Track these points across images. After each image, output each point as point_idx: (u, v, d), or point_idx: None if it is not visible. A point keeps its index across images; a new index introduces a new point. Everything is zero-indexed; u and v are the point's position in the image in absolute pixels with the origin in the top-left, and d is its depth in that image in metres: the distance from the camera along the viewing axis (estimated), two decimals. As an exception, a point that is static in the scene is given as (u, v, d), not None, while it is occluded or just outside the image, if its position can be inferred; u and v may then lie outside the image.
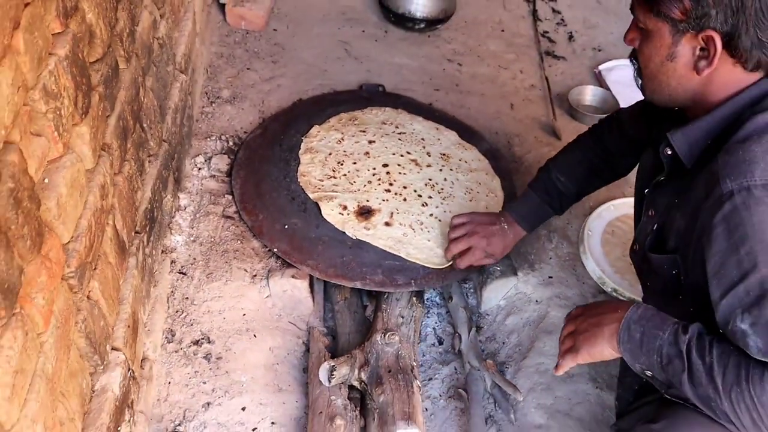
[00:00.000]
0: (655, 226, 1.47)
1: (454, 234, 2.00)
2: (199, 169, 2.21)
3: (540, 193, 1.95)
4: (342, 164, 2.18)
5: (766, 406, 1.16)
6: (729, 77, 1.31)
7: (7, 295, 1.00)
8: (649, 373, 1.34)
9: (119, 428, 1.46)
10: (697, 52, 1.30)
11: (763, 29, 1.24)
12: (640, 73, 1.44)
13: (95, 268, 1.39)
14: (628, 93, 2.68)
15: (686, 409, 1.31)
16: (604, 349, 1.38)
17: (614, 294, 2.02)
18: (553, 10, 3.19)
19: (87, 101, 1.35)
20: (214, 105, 2.46)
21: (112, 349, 1.48)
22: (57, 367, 1.18)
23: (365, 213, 2.05)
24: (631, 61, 1.47)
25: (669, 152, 1.40)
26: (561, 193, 1.93)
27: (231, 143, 2.31)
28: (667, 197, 1.44)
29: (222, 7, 2.82)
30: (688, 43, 1.30)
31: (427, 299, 2.15)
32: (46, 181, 1.20)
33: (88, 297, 1.36)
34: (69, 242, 1.27)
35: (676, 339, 1.27)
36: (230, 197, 2.14)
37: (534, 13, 3.15)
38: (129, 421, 1.53)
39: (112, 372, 1.44)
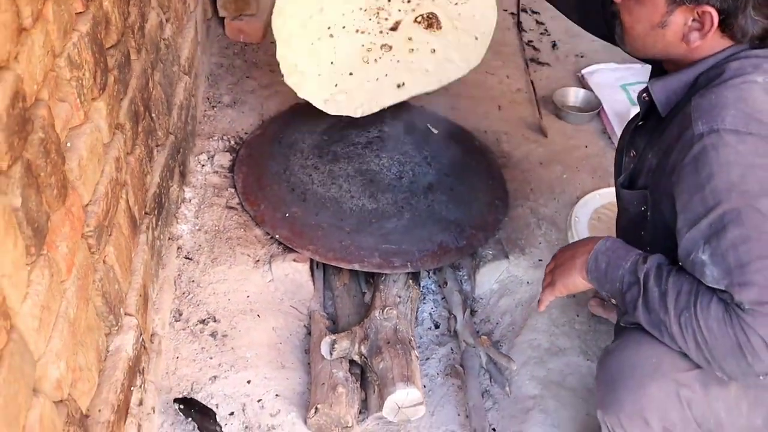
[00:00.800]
0: (632, 165, 1.56)
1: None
2: (203, 165, 2.31)
3: None
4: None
5: (711, 330, 1.23)
6: (714, 45, 1.36)
7: (37, 235, 1.10)
8: (613, 300, 1.45)
9: (132, 389, 1.54)
10: (690, 22, 1.33)
11: (758, 11, 1.30)
12: (622, 29, 1.47)
13: (110, 235, 1.48)
14: (609, 93, 2.81)
15: (637, 330, 1.41)
16: (576, 279, 1.48)
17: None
18: (537, 22, 3.34)
19: (104, 79, 1.46)
20: (215, 109, 2.57)
21: (125, 314, 1.56)
22: (77, 316, 1.27)
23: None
24: (611, 16, 1.49)
25: (647, 98, 1.49)
26: None
27: (232, 142, 2.42)
28: (644, 137, 1.53)
29: (221, 20, 2.95)
30: (682, 15, 1.33)
31: (423, 286, 2.24)
32: (69, 144, 1.30)
33: (104, 261, 1.45)
34: (88, 204, 1.36)
35: (635, 268, 1.37)
36: (233, 190, 2.24)
37: (519, 24, 3.29)
38: (140, 386, 1.61)
39: (126, 335, 1.52)
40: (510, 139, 2.61)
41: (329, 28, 2.12)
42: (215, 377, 1.81)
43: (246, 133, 2.48)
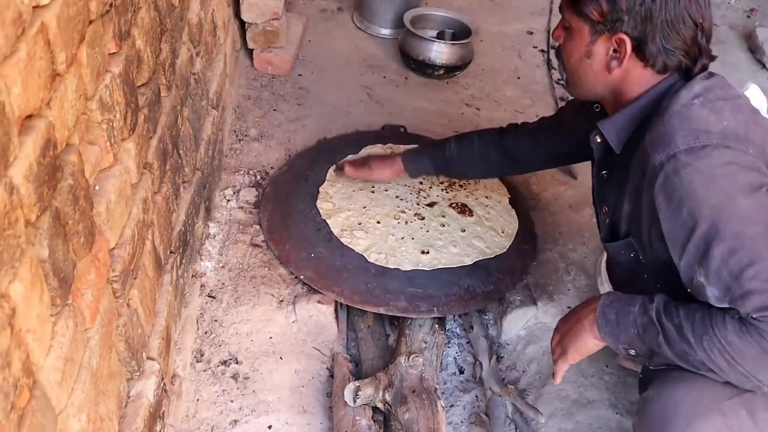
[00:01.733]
0: (608, 220, 1.60)
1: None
2: (228, 200, 2.29)
3: (431, 157, 2.17)
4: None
5: (733, 345, 1.27)
6: (640, 77, 1.45)
7: (62, 285, 1.07)
8: (632, 351, 1.46)
9: (152, 436, 1.50)
10: (611, 52, 1.44)
11: (668, 39, 1.39)
12: (563, 68, 1.57)
13: (135, 278, 1.45)
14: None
15: (670, 371, 1.43)
16: (587, 342, 1.51)
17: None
18: (568, 60, 3.31)
19: (134, 119, 1.44)
20: (242, 142, 2.56)
21: (148, 358, 1.53)
22: (100, 365, 1.23)
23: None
24: (556, 56, 1.61)
25: (599, 140, 1.55)
26: (449, 165, 2.17)
27: (258, 177, 2.40)
28: (613, 189, 1.57)
29: (250, 52, 2.95)
30: (603, 44, 1.44)
31: (448, 330, 2.19)
32: (97, 188, 1.28)
33: (128, 304, 1.42)
34: (115, 248, 1.34)
35: (644, 309, 1.41)
36: (258, 227, 2.21)
37: (548, 62, 3.27)
38: (160, 431, 1.57)
39: (148, 380, 1.49)
40: (539, 180, 2.56)
41: (373, 186, 2.32)
42: (236, 421, 1.77)
43: (272, 168, 2.46)
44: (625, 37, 1.40)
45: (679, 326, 1.34)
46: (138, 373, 1.47)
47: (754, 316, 1.24)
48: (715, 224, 1.27)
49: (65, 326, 1.08)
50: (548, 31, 3.50)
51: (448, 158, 2.13)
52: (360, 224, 2.16)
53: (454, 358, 2.17)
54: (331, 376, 1.99)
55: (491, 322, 2.21)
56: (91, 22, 1.18)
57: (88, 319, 1.19)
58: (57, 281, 1.04)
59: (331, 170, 2.36)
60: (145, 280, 1.51)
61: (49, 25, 1.00)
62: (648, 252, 1.48)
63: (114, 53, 1.34)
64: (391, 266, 2.05)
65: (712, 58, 1.45)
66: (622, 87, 1.48)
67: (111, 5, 1.29)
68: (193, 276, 2.00)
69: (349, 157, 2.37)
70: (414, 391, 1.79)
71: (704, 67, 1.44)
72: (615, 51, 1.44)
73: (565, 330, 1.56)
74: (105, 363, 1.27)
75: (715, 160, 1.30)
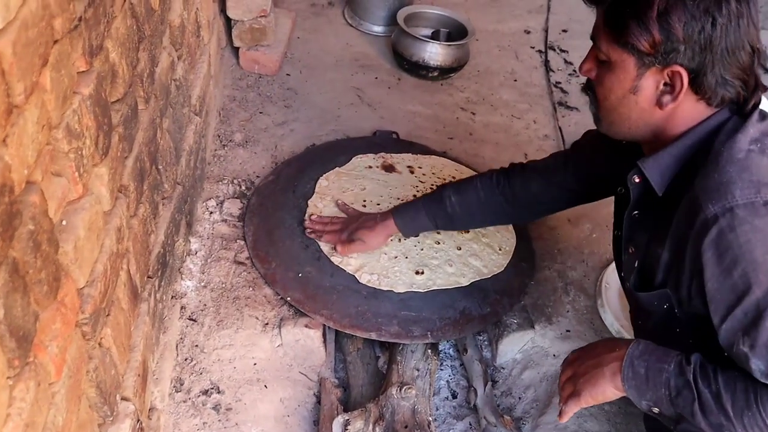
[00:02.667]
0: (637, 263, 1.45)
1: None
2: (211, 213, 2.17)
3: (429, 213, 1.97)
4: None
5: None
6: (691, 112, 1.31)
7: (22, 344, 0.95)
8: (656, 410, 1.33)
9: (126, 482, 1.39)
10: (661, 86, 1.29)
11: (728, 68, 1.25)
12: (596, 105, 1.41)
13: (108, 315, 1.33)
14: (642, 145, 2.67)
15: None
16: (606, 390, 1.38)
17: (635, 350, 1.96)
18: (565, 61, 3.20)
19: (107, 141, 1.31)
20: (226, 148, 2.43)
21: (122, 398, 1.41)
22: (68, 419, 1.12)
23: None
24: (585, 92, 1.46)
25: (637, 180, 1.40)
26: (451, 220, 1.97)
27: (243, 187, 2.28)
28: (645, 232, 1.43)
29: (236, 50, 2.81)
30: (653, 77, 1.29)
31: (441, 351, 2.09)
32: (64, 223, 1.15)
33: (100, 344, 1.30)
34: (84, 287, 1.22)
35: (681, 370, 1.27)
36: (242, 243, 2.09)
37: (546, 63, 3.15)
38: (135, 475, 1.46)
39: (122, 423, 1.37)
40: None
41: (364, 200, 2.19)
42: (217, 458, 1.66)
43: (257, 177, 2.34)
44: (680, 69, 1.25)
45: (717, 395, 1.22)
46: (111, 418, 1.35)
47: None
48: None
49: (25, 389, 0.97)
50: (546, 31, 3.38)
51: (449, 214, 1.94)
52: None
53: (447, 381, 2.07)
54: (319, 402, 1.89)
55: (485, 342, 2.11)
56: (56, 42, 1.06)
57: (53, 374, 1.07)
58: (15, 341, 0.93)
59: (320, 181, 2.24)
60: (119, 315, 1.40)
61: (3, 53, 0.87)
62: (686, 306, 1.35)
63: (84, 71, 1.22)
64: (384, 288, 1.94)
65: (765, 88, 1.31)
66: (668, 123, 1.33)
67: (80, 19, 1.16)
68: (173, 297, 1.88)
69: (329, 231, 2.05)
70: (406, 426, 1.70)
71: (757, 103, 1.30)
72: (666, 84, 1.29)
73: (581, 372, 1.42)
74: (73, 416, 1.15)
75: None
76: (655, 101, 1.31)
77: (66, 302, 1.12)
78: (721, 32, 1.22)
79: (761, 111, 1.31)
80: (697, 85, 1.27)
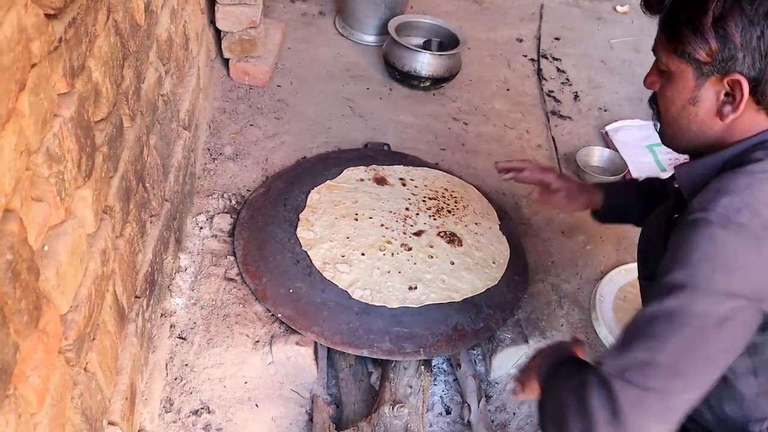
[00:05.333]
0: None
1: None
2: (201, 228, 2.14)
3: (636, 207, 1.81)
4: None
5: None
6: (752, 123, 1.24)
7: (1, 377, 0.92)
8: None
9: None
10: (722, 96, 1.23)
11: None
12: (659, 117, 1.37)
13: (93, 339, 1.31)
14: (635, 153, 2.66)
15: None
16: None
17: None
18: (558, 70, 3.18)
19: (90, 163, 1.29)
20: (216, 162, 2.41)
21: (109, 423, 1.39)
22: (50, 450, 1.10)
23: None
24: (650, 105, 1.41)
25: (676, 186, 1.36)
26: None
27: (233, 202, 2.25)
28: None
29: (226, 62, 2.79)
30: (713, 87, 1.23)
31: (434, 366, 2.07)
32: (46, 248, 1.13)
33: (85, 369, 1.28)
34: (67, 313, 1.19)
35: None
36: (232, 258, 2.07)
37: (539, 72, 3.14)
38: (123, 500, 1.43)
39: (108, 449, 1.35)
40: (530, 203, 2.44)
41: (356, 213, 2.18)
42: (206, 480, 1.64)
43: (248, 191, 2.31)
44: (740, 77, 1.18)
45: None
46: (97, 444, 1.33)
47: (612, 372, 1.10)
48: (682, 285, 1.10)
49: (5, 422, 0.94)
50: (538, 39, 3.37)
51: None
52: (343, 256, 2.02)
53: (441, 397, 2.04)
54: (311, 420, 1.86)
55: (480, 358, 2.09)
56: (34, 65, 1.03)
57: (35, 404, 1.05)
58: (-8, 375, 0.90)
59: (311, 194, 2.21)
60: (105, 338, 1.37)
61: (-22, 82, 0.85)
62: None
63: (65, 93, 1.19)
64: (377, 303, 1.92)
65: None
66: (728, 135, 1.26)
67: (60, 40, 1.14)
68: (162, 315, 1.85)
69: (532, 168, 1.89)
70: (400, 446, 1.67)
71: None
72: (727, 95, 1.22)
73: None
74: (56, 446, 1.13)
75: (733, 243, 1.11)
76: (716, 112, 1.25)
77: (48, 330, 1.09)
78: None
79: None
80: (758, 94, 1.20)
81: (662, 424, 1.08)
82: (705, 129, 1.28)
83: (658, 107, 1.37)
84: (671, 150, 1.42)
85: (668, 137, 1.38)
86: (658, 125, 1.39)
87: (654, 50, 1.33)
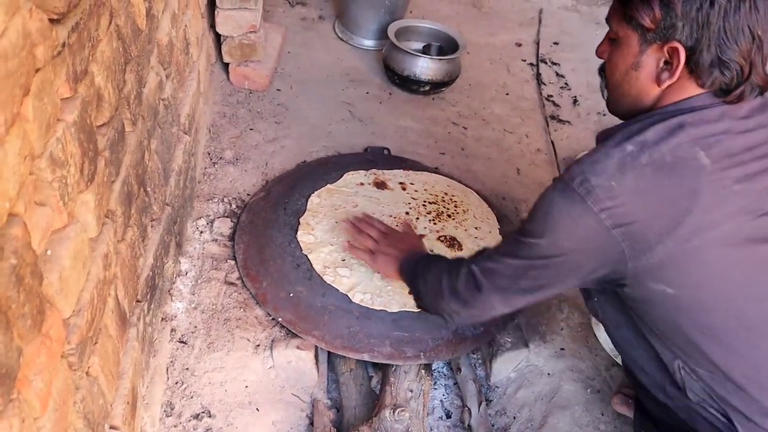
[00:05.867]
0: None
1: None
2: (201, 232, 2.14)
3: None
4: None
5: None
6: (681, 91, 1.32)
7: (5, 381, 0.93)
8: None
9: None
10: (661, 64, 1.31)
11: (724, 49, 1.25)
12: (606, 85, 1.45)
13: (95, 343, 1.31)
14: (635, 158, 2.66)
15: None
16: (390, 273, 1.87)
17: (630, 367, 1.95)
18: (557, 74, 3.19)
19: (93, 167, 1.29)
20: (216, 166, 2.41)
21: (111, 427, 1.39)
22: (53, 454, 1.10)
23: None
24: (599, 74, 1.48)
25: None
26: None
27: (234, 206, 2.26)
28: None
29: (225, 66, 2.79)
30: (654, 54, 1.31)
31: (434, 370, 2.07)
32: (49, 253, 1.13)
33: (87, 373, 1.28)
34: (70, 317, 1.19)
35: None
36: (233, 262, 2.07)
37: (538, 77, 3.15)
38: (124, 505, 1.43)
39: (110, 454, 1.35)
40: (529, 206, 2.43)
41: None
42: (207, 484, 1.64)
43: (248, 195, 2.32)
44: (678, 45, 1.26)
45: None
46: (99, 448, 1.33)
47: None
48: (528, 233, 1.38)
49: (9, 427, 0.94)
50: (537, 43, 3.38)
51: None
52: (344, 260, 2.02)
53: (441, 401, 2.05)
54: (311, 423, 1.86)
55: (480, 362, 2.09)
56: (38, 70, 1.03)
57: (38, 409, 1.05)
58: (-3, 379, 0.90)
59: (312, 198, 2.21)
60: (107, 343, 1.37)
61: (-17, 88, 0.86)
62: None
63: (68, 98, 1.20)
64: (377, 307, 1.92)
65: (765, 79, 1.29)
66: (658, 102, 1.34)
67: (64, 45, 1.14)
68: (162, 319, 1.86)
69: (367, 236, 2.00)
70: (400, 450, 1.67)
71: (743, 92, 1.28)
72: (666, 62, 1.30)
73: (384, 250, 1.90)
74: (58, 450, 1.13)
75: (560, 208, 1.29)
76: (655, 78, 1.32)
77: (51, 335, 1.10)
78: (719, 12, 1.23)
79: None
80: (692, 63, 1.27)
81: (504, 304, 1.49)
82: (643, 95, 1.35)
83: (605, 76, 1.43)
84: (617, 118, 1.49)
85: (612, 103, 1.45)
86: (605, 92, 1.46)
87: (607, 19, 1.40)
